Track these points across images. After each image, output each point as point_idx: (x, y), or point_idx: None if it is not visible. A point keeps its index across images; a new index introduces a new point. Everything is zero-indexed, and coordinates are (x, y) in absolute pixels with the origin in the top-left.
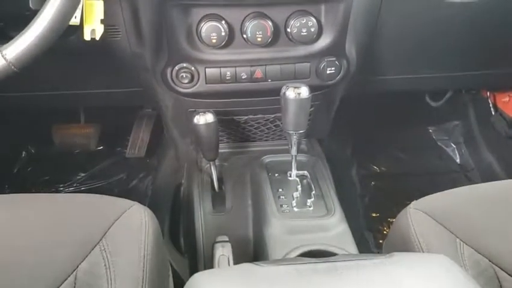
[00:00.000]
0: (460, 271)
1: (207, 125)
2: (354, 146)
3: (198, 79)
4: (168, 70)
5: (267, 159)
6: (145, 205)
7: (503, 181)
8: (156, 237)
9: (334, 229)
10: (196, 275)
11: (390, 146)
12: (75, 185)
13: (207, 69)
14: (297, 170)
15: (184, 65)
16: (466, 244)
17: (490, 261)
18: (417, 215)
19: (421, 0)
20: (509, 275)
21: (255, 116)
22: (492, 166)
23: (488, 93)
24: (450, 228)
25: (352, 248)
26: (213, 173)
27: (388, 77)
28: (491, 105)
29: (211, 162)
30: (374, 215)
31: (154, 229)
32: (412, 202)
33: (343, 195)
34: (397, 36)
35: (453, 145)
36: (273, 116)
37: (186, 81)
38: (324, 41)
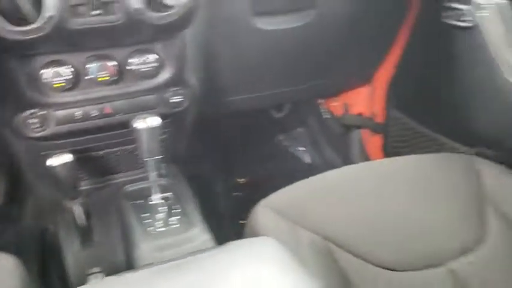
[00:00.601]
0: (282, 248)
1: (63, 165)
2: (215, 163)
3: (48, 122)
4: (16, 118)
5: (130, 188)
6: (11, 254)
7: (332, 171)
8: (24, 284)
9: (198, 239)
10: None
11: (249, 158)
12: None
13: (56, 111)
14: (160, 193)
15: (32, 110)
16: (304, 228)
17: (324, 239)
18: (263, 212)
19: (246, 29)
20: (338, 246)
21: (113, 149)
22: (334, 161)
23: (320, 101)
24: (290, 217)
25: None
26: (77, 211)
27: (235, 98)
28: (325, 110)
29: (74, 201)
30: (241, 222)
31: (22, 277)
32: (260, 201)
33: (208, 209)
34: (234, 63)
35: (301, 148)
36: (131, 146)
37: (35, 126)
38: (165, 74)
